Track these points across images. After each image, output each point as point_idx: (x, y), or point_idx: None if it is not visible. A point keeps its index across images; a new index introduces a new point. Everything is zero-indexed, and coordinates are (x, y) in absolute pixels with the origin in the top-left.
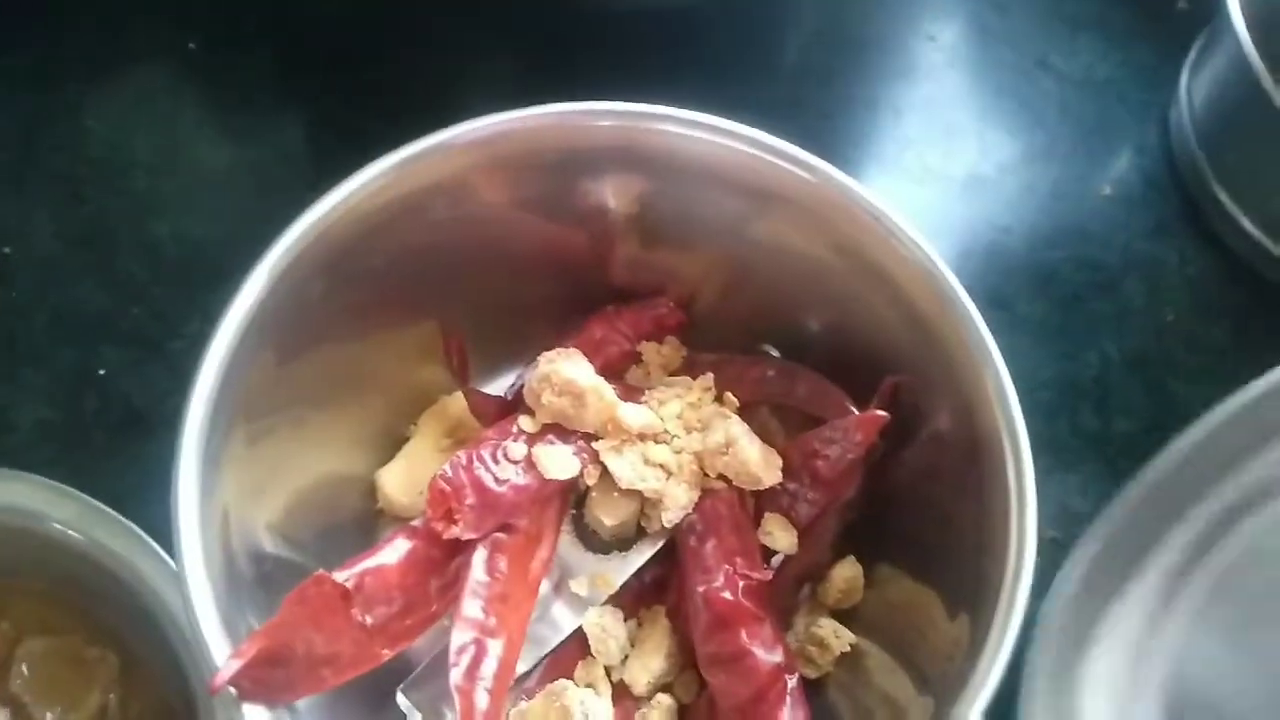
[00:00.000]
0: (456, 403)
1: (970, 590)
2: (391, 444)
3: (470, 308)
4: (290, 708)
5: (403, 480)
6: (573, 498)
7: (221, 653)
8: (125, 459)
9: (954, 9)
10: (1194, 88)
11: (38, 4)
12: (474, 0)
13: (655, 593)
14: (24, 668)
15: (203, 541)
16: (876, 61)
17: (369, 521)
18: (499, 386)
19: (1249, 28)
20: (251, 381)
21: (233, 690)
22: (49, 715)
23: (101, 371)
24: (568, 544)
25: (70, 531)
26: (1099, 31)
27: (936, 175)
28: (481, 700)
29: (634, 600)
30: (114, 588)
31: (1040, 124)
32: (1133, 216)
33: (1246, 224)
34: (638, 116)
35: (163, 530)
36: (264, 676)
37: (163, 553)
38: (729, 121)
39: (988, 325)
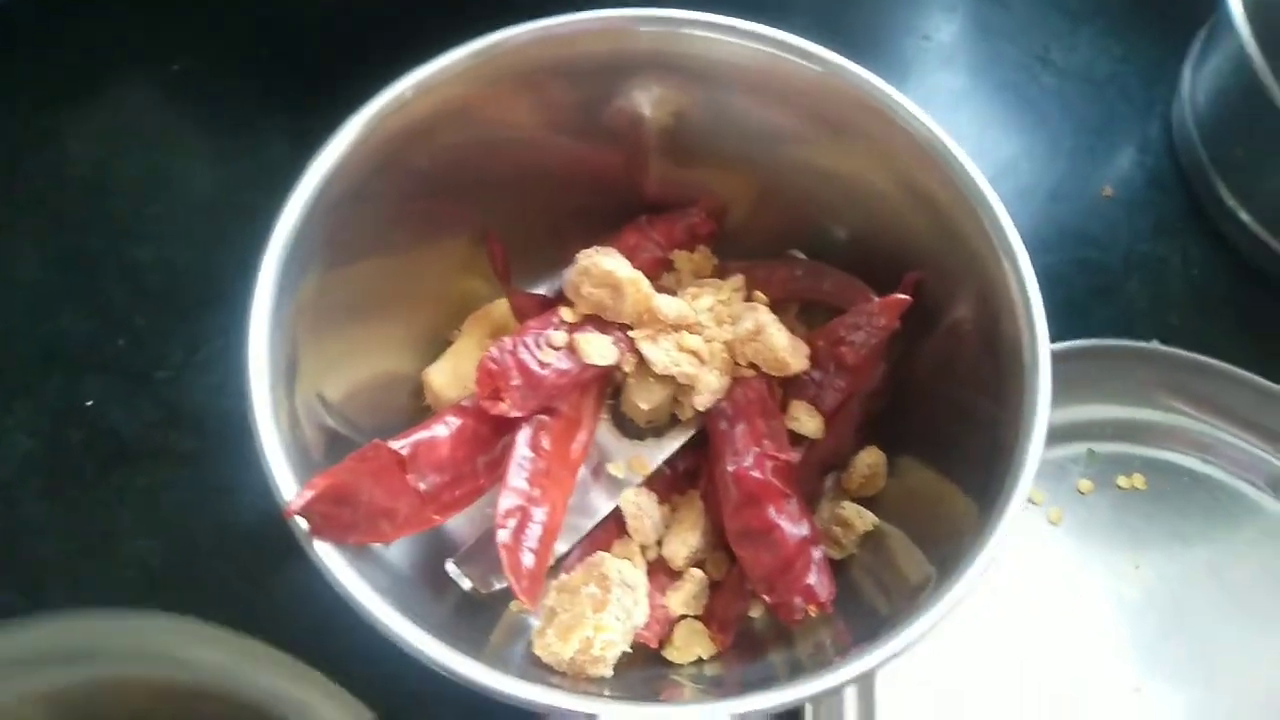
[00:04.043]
0: (499, 309)
1: (980, 480)
2: (438, 348)
3: (508, 221)
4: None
5: (449, 377)
6: (609, 389)
7: (290, 488)
8: (114, 491)
9: (954, 5)
10: (1196, 83)
11: (18, 28)
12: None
13: (687, 480)
14: None
15: (271, 398)
16: (870, 63)
17: (418, 418)
18: None
19: (1250, 20)
20: (306, 284)
21: (302, 522)
22: None
23: (89, 402)
24: (605, 431)
25: None
26: (1100, 25)
27: None
28: (527, 559)
29: (666, 488)
30: None
31: (1041, 122)
32: (1134, 217)
33: (1250, 222)
34: (675, 22)
35: (154, 563)
36: (331, 513)
37: None
38: (758, 25)
39: None
